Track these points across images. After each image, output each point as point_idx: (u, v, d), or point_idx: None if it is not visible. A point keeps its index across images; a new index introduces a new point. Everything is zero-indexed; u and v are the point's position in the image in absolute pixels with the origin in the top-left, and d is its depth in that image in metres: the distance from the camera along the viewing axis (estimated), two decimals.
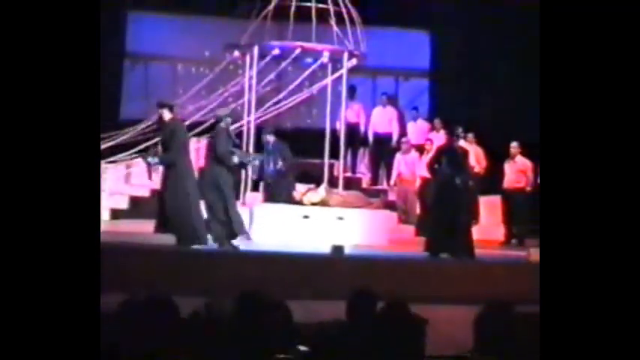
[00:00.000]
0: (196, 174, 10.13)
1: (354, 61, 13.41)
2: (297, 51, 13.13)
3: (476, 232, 11.02)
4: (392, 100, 15.81)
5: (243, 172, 12.24)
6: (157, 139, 10.88)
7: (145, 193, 13.20)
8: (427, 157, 12.79)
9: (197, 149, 12.51)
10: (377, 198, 13.36)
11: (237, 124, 13.35)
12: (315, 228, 11.53)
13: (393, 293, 4.29)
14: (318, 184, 12.66)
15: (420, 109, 15.74)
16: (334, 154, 13.55)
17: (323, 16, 13.15)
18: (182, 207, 9.57)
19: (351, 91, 14.86)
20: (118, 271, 7.66)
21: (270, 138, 12.39)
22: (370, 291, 4.31)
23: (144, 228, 10.30)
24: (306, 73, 13.79)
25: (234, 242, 10.04)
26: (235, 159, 10.27)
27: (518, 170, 13.20)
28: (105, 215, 11.97)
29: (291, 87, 13.94)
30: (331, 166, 13.66)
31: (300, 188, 12.42)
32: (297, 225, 11.53)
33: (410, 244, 11.88)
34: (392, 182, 14.36)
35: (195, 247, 9.69)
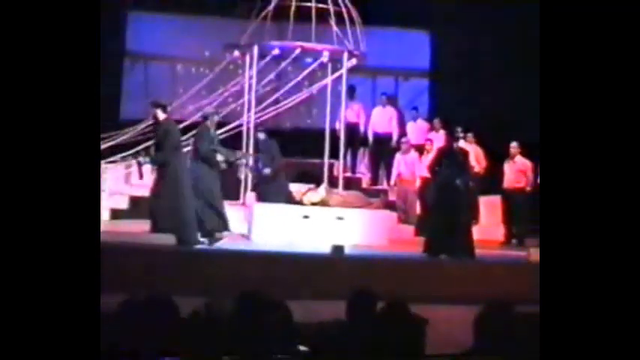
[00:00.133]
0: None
1: (353, 61, 13.42)
2: (297, 51, 13.14)
3: (476, 232, 11.02)
4: (392, 100, 15.81)
5: (242, 172, 12.23)
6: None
7: (145, 193, 13.14)
8: (427, 158, 12.81)
9: None
10: (377, 198, 13.35)
11: (237, 124, 13.38)
12: (315, 228, 11.52)
13: (393, 293, 4.29)
14: (318, 184, 12.66)
15: (419, 109, 15.73)
16: (334, 154, 13.56)
17: (323, 16, 13.16)
18: (175, 207, 9.55)
19: (351, 91, 14.85)
20: (118, 271, 7.66)
21: (261, 136, 12.35)
22: (370, 291, 4.31)
23: (144, 228, 10.30)
24: (306, 72, 13.80)
25: (220, 238, 10.07)
26: (219, 157, 10.32)
27: (518, 170, 13.20)
28: (105, 215, 11.96)
29: (290, 86, 13.95)
30: (331, 166, 13.67)
31: (300, 188, 12.42)
32: (297, 225, 11.52)
33: (410, 244, 11.87)
34: (392, 182, 14.36)
35: (195, 246, 9.72)
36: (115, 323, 3.48)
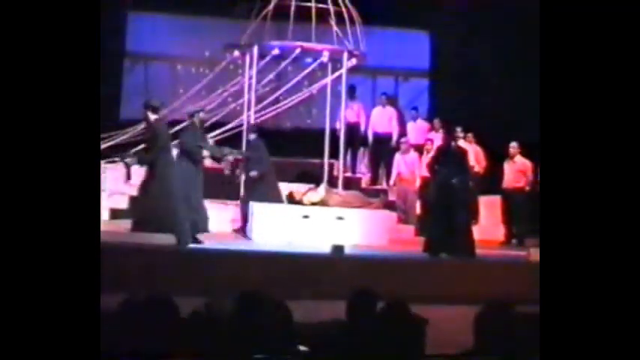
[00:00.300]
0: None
1: (353, 61, 13.42)
2: (297, 51, 13.14)
3: (476, 232, 11.02)
4: (392, 100, 15.81)
5: (227, 168, 12.14)
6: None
7: None
8: (427, 158, 12.81)
9: None
10: (377, 198, 13.35)
11: (236, 124, 13.39)
12: (315, 228, 11.53)
13: (393, 293, 4.29)
14: (318, 184, 12.66)
15: (419, 109, 15.74)
16: (334, 154, 13.56)
17: (323, 16, 13.16)
18: (163, 207, 9.53)
19: (351, 91, 14.86)
20: (118, 271, 7.66)
21: (251, 137, 12.32)
22: (370, 291, 4.31)
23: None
24: (306, 72, 13.80)
25: (199, 237, 10.05)
26: (205, 153, 10.33)
27: (517, 170, 13.20)
28: (105, 215, 11.96)
29: (290, 86, 13.95)
30: (331, 166, 13.66)
31: (300, 188, 12.42)
32: (297, 225, 11.52)
33: (410, 244, 11.88)
34: (391, 182, 14.36)
35: (195, 246, 9.71)
36: (115, 323, 3.48)
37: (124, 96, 15.62)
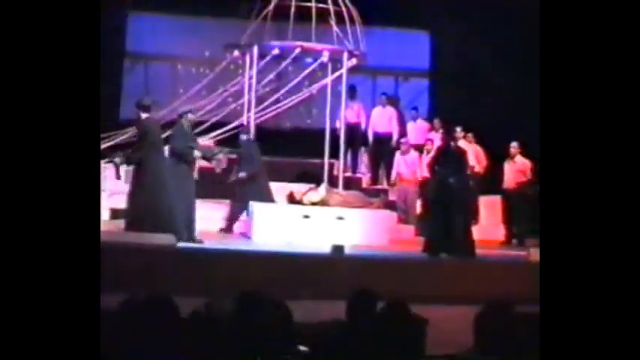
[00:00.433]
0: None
1: (353, 61, 13.43)
2: (297, 51, 13.14)
3: (476, 232, 11.02)
4: (392, 100, 15.81)
5: (218, 167, 12.10)
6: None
7: None
8: (427, 158, 12.81)
9: None
10: (377, 198, 13.35)
11: (236, 124, 13.38)
12: (315, 228, 11.52)
13: (393, 293, 4.29)
14: (318, 183, 12.66)
15: (419, 109, 15.74)
16: (334, 154, 13.56)
17: (323, 15, 13.16)
18: (157, 205, 9.53)
19: (351, 91, 14.86)
20: (118, 271, 7.66)
21: (243, 137, 12.30)
22: (370, 291, 4.31)
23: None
24: (306, 72, 13.80)
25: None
26: (196, 153, 10.34)
27: (518, 170, 13.20)
28: (105, 215, 11.96)
29: (290, 86, 13.95)
30: (331, 166, 13.67)
31: (300, 188, 12.41)
32: (297, 225, 11.52)
33: (410, 244, 11.87)
34: (391, 182, 14.36)
35: (195, 246, 9.71)
36: (115, 323, 3.48)
37: (124, 96, 15.60)
